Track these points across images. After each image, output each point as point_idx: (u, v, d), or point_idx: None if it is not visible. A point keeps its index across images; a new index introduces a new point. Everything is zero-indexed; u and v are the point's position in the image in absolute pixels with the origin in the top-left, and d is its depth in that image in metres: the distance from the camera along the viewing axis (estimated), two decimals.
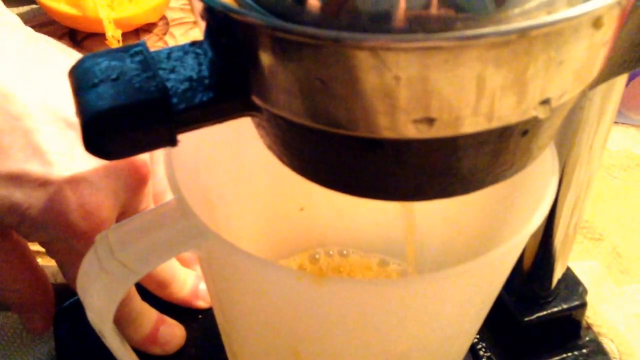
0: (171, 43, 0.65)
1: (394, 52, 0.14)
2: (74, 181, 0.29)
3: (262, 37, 0.16)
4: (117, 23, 0.59)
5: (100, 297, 0.25)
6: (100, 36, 0.61)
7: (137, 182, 0.32)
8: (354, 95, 0.15)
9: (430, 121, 0.15)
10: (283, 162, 0.20)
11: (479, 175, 0.18)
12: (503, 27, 0.14)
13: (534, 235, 0.34)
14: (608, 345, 0.39)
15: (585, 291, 0.37)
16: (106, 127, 0.17)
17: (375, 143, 0.17)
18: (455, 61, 0.14)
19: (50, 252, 0.33)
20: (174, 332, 0.37)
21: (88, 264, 0.25)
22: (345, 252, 0.40)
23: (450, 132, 0.16)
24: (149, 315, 0.36)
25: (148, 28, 0.66)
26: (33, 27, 0.33)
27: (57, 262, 0.33)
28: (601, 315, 0.40)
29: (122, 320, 0.34)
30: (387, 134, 0.16)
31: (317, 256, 0.40)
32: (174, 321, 0.37)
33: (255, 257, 0.22)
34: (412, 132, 0.16)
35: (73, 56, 0.32)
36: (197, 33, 0.65)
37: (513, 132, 0.17)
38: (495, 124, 0.16)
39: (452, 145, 0.17)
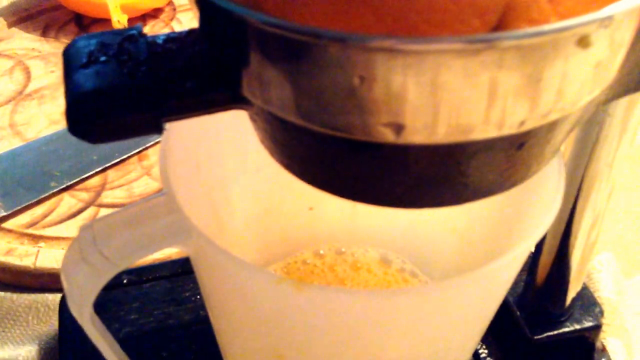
0: (177, 29, 0.63)
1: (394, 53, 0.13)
2: None
3: (253, 32, 0.15)
4: (124, 8, 0.58)
5: (80, 286, 0.24)
6: (107, 21, 0.60)
7: None
8: (343, 95, 0.15)
9: (399, 127, 0.15)
10: (273, 157, 0.19)
11: (473, 185, 0.18)
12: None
13: (549, 252, 0.32)
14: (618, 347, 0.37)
15: (601, 312, 0.35)
16: (90, 109, 0.17)
17: (356, 145, 0.16)
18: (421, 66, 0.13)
19: None
20: None
21: (71, 253, 0.24)
22: (351, 249, 0.39)
23: (434, 140, 0.15)
24: None
25: (155, 14, 0.65)
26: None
27: None
28: (620, 315, 0.38)
29: None
30: (360, 136, 0.15)
31: (321, 252, 0.39)
32: None
33: (237, 259, 0.21)
34: (385, 136, 0.15)
35: None
36: None
37: (508, 143, 0.16)
38: (484, 135, 0.15)
39: (439, 153, 0.16)
